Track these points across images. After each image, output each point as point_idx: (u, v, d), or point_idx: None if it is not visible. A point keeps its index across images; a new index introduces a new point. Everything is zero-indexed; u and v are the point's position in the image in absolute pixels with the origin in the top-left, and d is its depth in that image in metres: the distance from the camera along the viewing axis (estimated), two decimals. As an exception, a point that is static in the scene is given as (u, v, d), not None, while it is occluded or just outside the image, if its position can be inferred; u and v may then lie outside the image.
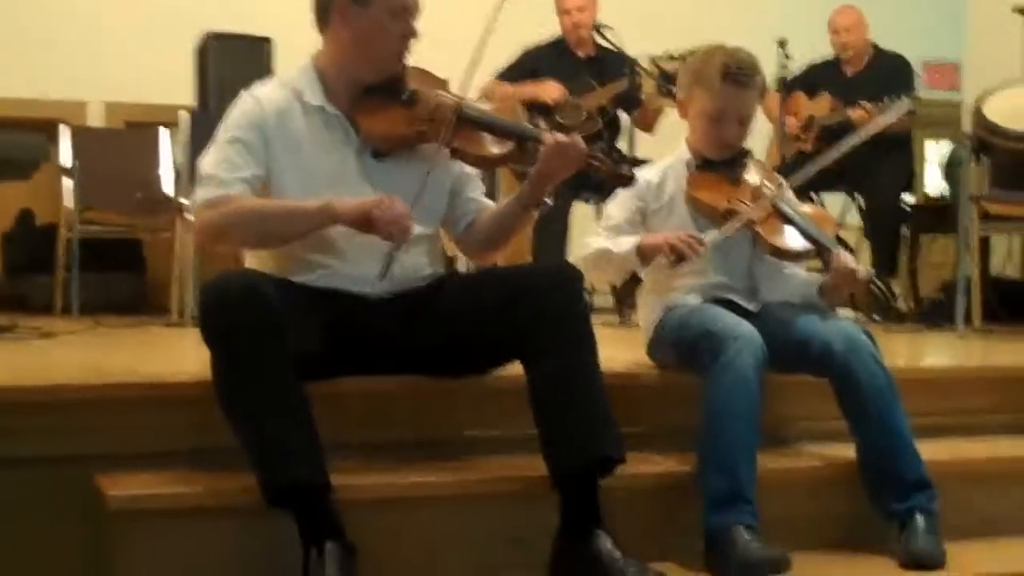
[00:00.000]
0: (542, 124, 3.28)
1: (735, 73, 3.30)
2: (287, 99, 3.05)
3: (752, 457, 2.97)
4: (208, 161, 2.99)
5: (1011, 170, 5.62)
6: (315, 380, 2.79)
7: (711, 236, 3.23)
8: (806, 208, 3.49)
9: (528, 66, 6.13)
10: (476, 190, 3.27)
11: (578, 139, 3.04)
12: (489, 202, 3.28)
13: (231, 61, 5.74)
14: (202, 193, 2.96)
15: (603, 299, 6.50)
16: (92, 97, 7.24)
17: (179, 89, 6.11)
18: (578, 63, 6.19)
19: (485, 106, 3.19)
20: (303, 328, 2.78)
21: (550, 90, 5.93)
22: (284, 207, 2.94)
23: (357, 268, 2.96)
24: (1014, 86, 5.75)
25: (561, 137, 3.04)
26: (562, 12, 6.19)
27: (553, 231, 5.29)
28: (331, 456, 2.69)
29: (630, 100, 6.08)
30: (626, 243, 3.28)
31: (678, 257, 3.17)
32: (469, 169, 3.22)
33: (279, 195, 2.97)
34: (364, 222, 2.84)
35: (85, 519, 2.79)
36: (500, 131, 3.12)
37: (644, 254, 3.26)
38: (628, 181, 3.09)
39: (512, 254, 4.39)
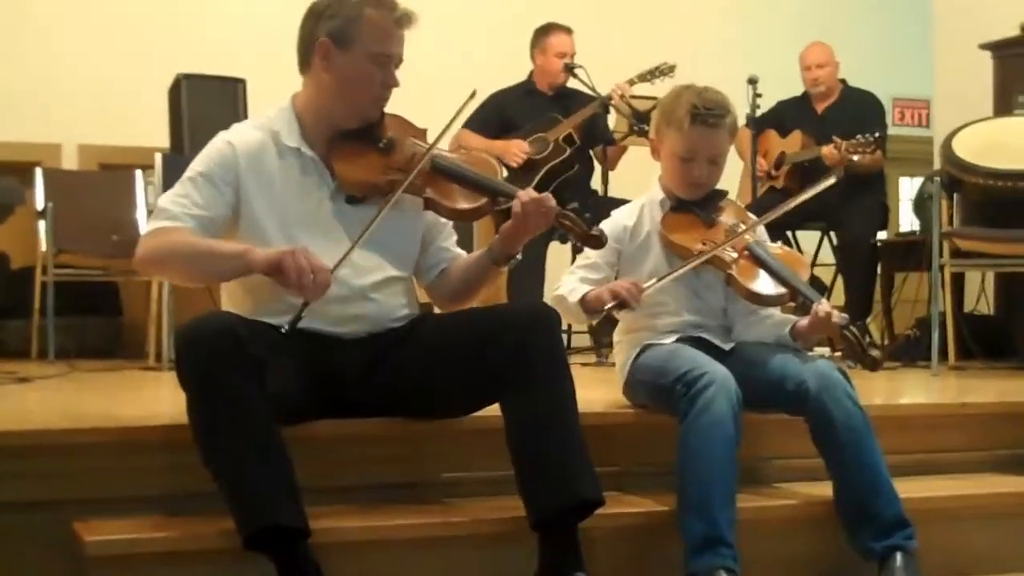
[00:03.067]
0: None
1: (704, 114, 3.30)
2: (262, 140, 3.05)
3: (731, 500, 2.98)
4: (166, 195, 3.00)
5: (982, 206, 5.66)
6: (292, 422, 2.79)
7: (651, 282, 3.23)
8: (778, 249, 3.50)
9: (496, 110, 6.19)
10: (448, 239, 3.27)
11: (549, 197, 3.03)
12: (461, 252, 3.28)
13: (204, 102, 5.72)
14: (150, 224, 2.99)
15: (580, 338, 6.53)
16: (66, 139, 7.24)
17: (154, 131, 6.10)
18: (546, 101, 6.27)
19: (459, 158, 3.18)
20: (279, 370, 2.77)
21: (514, 151, 5.98)
22: (209, 247, 2.93)
23: (332, 309, 2.95)
24: (983, 122, 5.80)
25: (532, 195, 3.03)
26: (548, 55, 6.23)
27: (529, 271, 5.29)
28: (309, 499, 2.68)
29: (600, 134, 6.13)
30: (577, 292, 3.28)
31: (620, 303, 3.17)
32: (442, 219, 3.22)
33: (259, 237, 2.96)
34: (276, 272, 2.79)
35: (63, 565, 2.76)
36: (474, 185, 3.11)
37: (588, 307, 3.25)
38: (598, 243, 3.08)
39: (487, 294, 4.40)
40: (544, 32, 6.33)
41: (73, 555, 2.73)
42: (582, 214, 3.05)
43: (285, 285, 2.79)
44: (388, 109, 3.13)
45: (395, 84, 3.08)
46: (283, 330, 2.77)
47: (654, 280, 3.25)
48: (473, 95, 3.02)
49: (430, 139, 3.12)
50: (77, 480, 2.87)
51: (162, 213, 2.96)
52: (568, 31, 6.28)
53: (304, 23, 3.07)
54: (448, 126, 3.05)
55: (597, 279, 3.35)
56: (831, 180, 3.42)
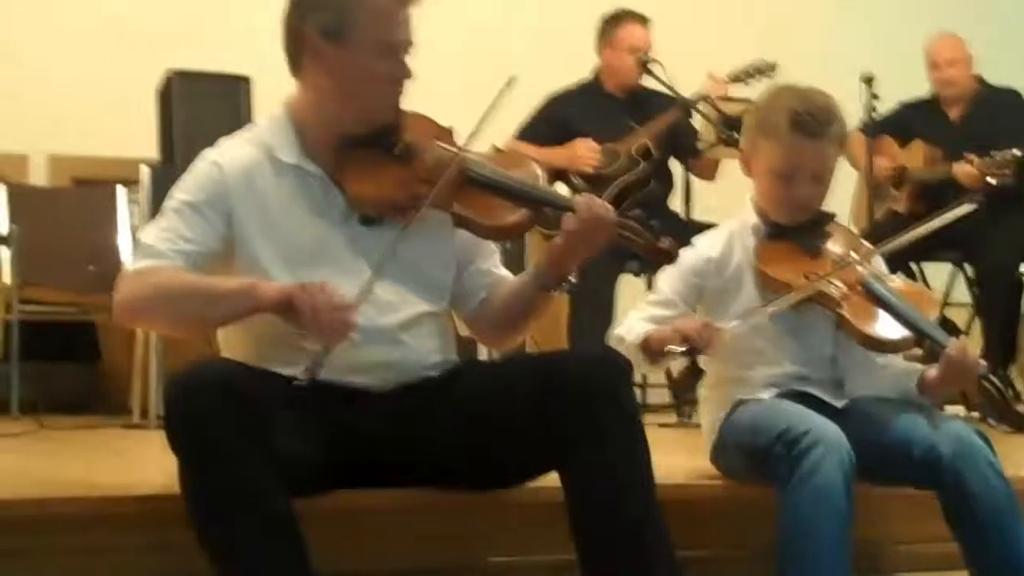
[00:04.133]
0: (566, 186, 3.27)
1: (807, 121, 3.30)
2: (254, 157, 3.05)
3: (843, 585, 2.96)
4: (148, 229, 3.02)
5: None
6: (306, 493, 2.79)
7: (732, 323, 3.22)
8: (900, 283, 3.49)
9: (555, 115, 6.19)
10: (488, 259, 3.25)
11: (608, 206, 3.03)
12: (506, 274, 3.26)
13: (200, 105, 5.75)
14: (131, 263, 3.00)
15: (659, 393, 6.51)
16: (34, 150, 7.29)
17: (139, 139, 6.14)
18: (616, 104, 6.24)
19: (496, 162, 3.17)
20: (290, 430, 2.78)
21: (582, 154, 5.97)
22: (211, 285, 2.94)
23: (351, 355, 2.94)
24: None
25: (588, 202, 3.02)
26: (619, 49, 6.23)
27: (594, 308, 5.28)
28: (327, 588, 2.68)
29: (683, 143, 6.12)
30: (638, 333, 3.26)
31: (689, 349, 3.16)
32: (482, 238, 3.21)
33: (257, 274, 2.97)
34: (287, 311, 2.80)
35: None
36: (513, 194, 3.09)
37: (651, 349, 3.23)
38: (668, 258, 3.07)
39: (546, 338, 4.39)
40: (614, 22, 6.32)
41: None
42: (647, 221, 3.04)
43: (299, 327, 2.80)
44: (406, 106, 3.12)
45: (408, 75, 3.07)
46: (296, 382, 2.76)
47: (736, 322, 3.24)
48: (511, 82, 2.97)
49: (458, 139, 3.11)
50: (47, 560, 2.88)
51: (145, 250, 2.97)
52: (643, 21, 6.27)
53: (287, 16, 3.06)
54: (481, 122, 3.01)
55: (669, 316, 3.33)
56: (967, 208, 3.41)
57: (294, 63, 3.09)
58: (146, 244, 2.98)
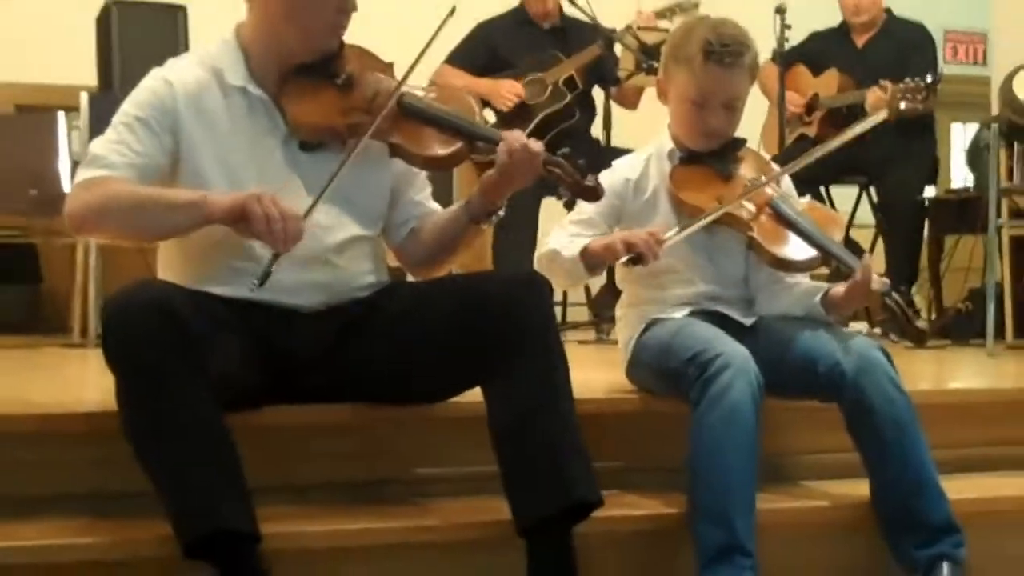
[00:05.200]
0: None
1: (719, 51, 3.29)
2: (204, 79, 3.04)
3: (750, 503, 2.99)
4: (98, 141, 2.99)
5: (1047, 158, 5.67)
6: (239, 410, 2.80)
7: (672, 233, 3.23)
8: (807, 206, 3.50)
9: (483, 43, 6.18)
10: (421, 191, 3.27)
11: (536, 143, 3.02)
12: (435, 206, 3.28)
13: (139, 33, 5.69)
14: (82, 173, 2.96)
15: (578, 311, 6.53)
16: (-25, 77, 7.21)
17: (78, 67, 6.07)
18: (542, 34, 6.24)
19: (432, 96, 3.17)
20: (224, 348, 2.78)
21: (505, 93, 5.96)
22: (160, 195, 2.91)
23: (289, 275, 2.93)
24: (1050, 60, 5.81)
25: (518, 138, 3.02)
26: None
27: (518, 233, 5.28)
28: (259, 499, 2.68)
29: (605, 74, 6.12)
30: (575, 245, 3.28)
31: (635, 258, 3.17)
32: (414, 168, 3.21)
33: (197, 185, 2.95)
34: (240, 219, 2.79)
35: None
36: (448, 127, 3.10)
37: (591, 259, 3.25)
38: (594, 195, 3.07)
39: (470, 260, 4.39)
40: None
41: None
42: (575, 160, 3.04)
43: (251, 235, 2.79)
44: (349, 39, 3.11)
45: (353, 8, 3.06)
46: (251, 289, 2.76)
47: (676, 230, 3.25)
48: (452, 12, 2.95)
49: (398, 74, 3.10)
50: (-12, 475, 2.87)
51: (95, 161, 2.94)
52: None
53: None
54: (421, 55, 3.01)
55: (591, 236, 3.34)
56: (881, 116, 3.42)
57: None
58: (97, 155, 2.95)
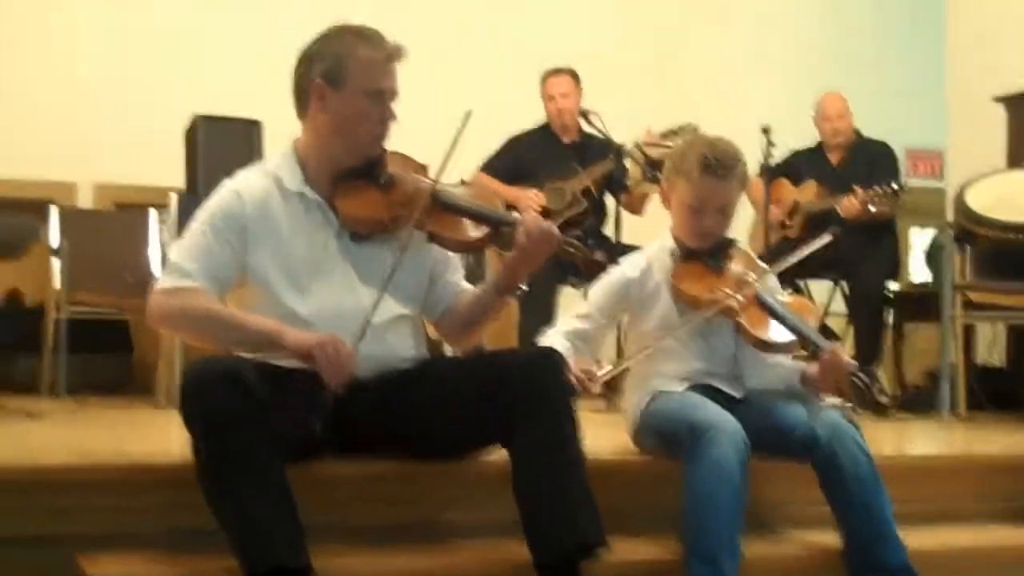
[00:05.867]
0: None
1: (714, 165, 3.31)
2: (267, 187, 3.07)
3: (735, 549, 2.97)
4: (177, 249, 3.02)
5: (994, 258, 5.67)
6: (298, 462, 2.80)
7: (606, 369, 3.26)
8: (787, 298, 3.51)
9: (512, 155, 6.21)
10: (455, 274, 3.28)
11: (552, 225, 3.05)
12: (468, 286, 3.29)
13: (220, 143, 5.74)
14: (164, 279, 2.99)
15: (590, 384, 6.49)
16: (82, 178, 7.26)
17: (169, 171, 6.11)
18: (563, 149, 6.27)
19: (461, 191, 3.21)
20: (284, 411, 2.77)
21: (529, 200, 5.99)
22: (236, 319, 2.96)
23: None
24: (996, 175, 5.81)
25: (535, 221, 3.05)
26: (547, 98, 6.30)
27: (538, 313, 5.29)
28: (313, 537, 2.68)
29: (616, 183, 6.14)
30: (556, 342, 3.28)
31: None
32: (449, 253, 3.23)
33: (261, 280, 2.99)
34: (307, 360, 2.84)
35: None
36: (475, 215, 3.13)
37: None
38: (603, 268, 3.10)
39: (498, 338, 4.41)
40: (543, 78, 6.37)
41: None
42: (585, 240, 3.06)
43: (312, 367, 2.82)
44: (390, 147, 3.15)
45: (393, 118, 3.10)
46: (315, 430, 2.79)
47: (608, 367, 3.29)
48: (469, 115, 2.99)
49: (431, 174, 3.14)
50: (82, 516, 2.88)
51: (175, 269, 2.97)
52: (560, 72, 6.28)
53: (297, 68, 3.10)
54: (449, 154, 3.03)
55: (587, 330, 3.39)
56: (825, 239, 3.46)
57: (300, 105, 3.11)
58: (175, 263, 2.98)
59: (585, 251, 3.05)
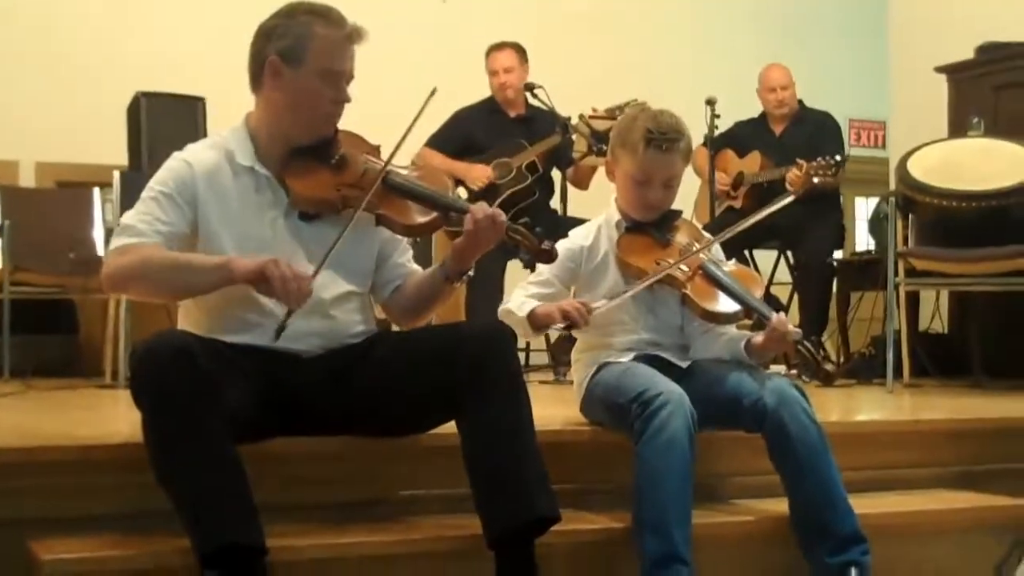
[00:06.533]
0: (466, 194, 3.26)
1: (659, 138, 3.31)
2: (217, 160, 3.05)
3: (687, 518, 2.99)
4: (129, 213, 3.00)
5: (936, 226, 5.71)
6: (249, 441, 2.78)
7: (600, 303, 3.25)
8: (733, 267, 3.52)
9: (459, 129, 6.20)
10: (403, 255, 3.27)
11: (499, 212, 3.04)
12: (416, 267, 3.28)
13: (163, 120, 5.69)
14: (116, 241, 2.97)
15: (539, 356, 6.54)
16: (23, 157, 7.20)
17: (111, 149, 6.07)
18: (509, 123, 6.28)
19: (413, 174, 3.19)
20: (235, 388, 2.77)
21: (476, 175, 5.99)
22: (188, 260, 2.93)
23: (292, 325, 2.93)
24: (938, 144, 5.85)
25: (484, 209, 3.03)
26: (491, 73, 6.29)
27: (486, 289, 5.29)
28: (266, 518, 2.67)
29: (562, 157, 6.15)
30: (525, 307, 3.29)
31: (569, 324, 3.21)
32: (397, 235, 3.22)
33: (217, 250, 2.96)
34: (260, 280, 2.81)
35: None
36: (425, 200, 3.11)
37: (536, 320, 3.27)
38: (549, 257, 3.09)
39: (445, 312, 4.41)
40: (487, 52, 6.37)
41: (29, 574, 2.70)
42: (533, 228, 3.06)
43: (268, 294, 2.81)
44: (343, 126, 3.14)
45: (346, 100, 3.08)
46: (271, 340, 2.82)
47: (604, 301, 3.26)
48: (434, 92, 2.98)
49: (384, 155, 3.13)
50: (32, 499, 2.85)
51: (128, 230, 2.95)
52: (504, 47, 6.29)
53: (254, 42, 3.08)
54: (405, 136, 3.04)
55: (547, 294, 3.36)
56: (789, 198, 3.46)
57: (255, 80, 3.08)
58: (128, 224, 2.96)
59: (532, 239, 3.04)
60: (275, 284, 2.77)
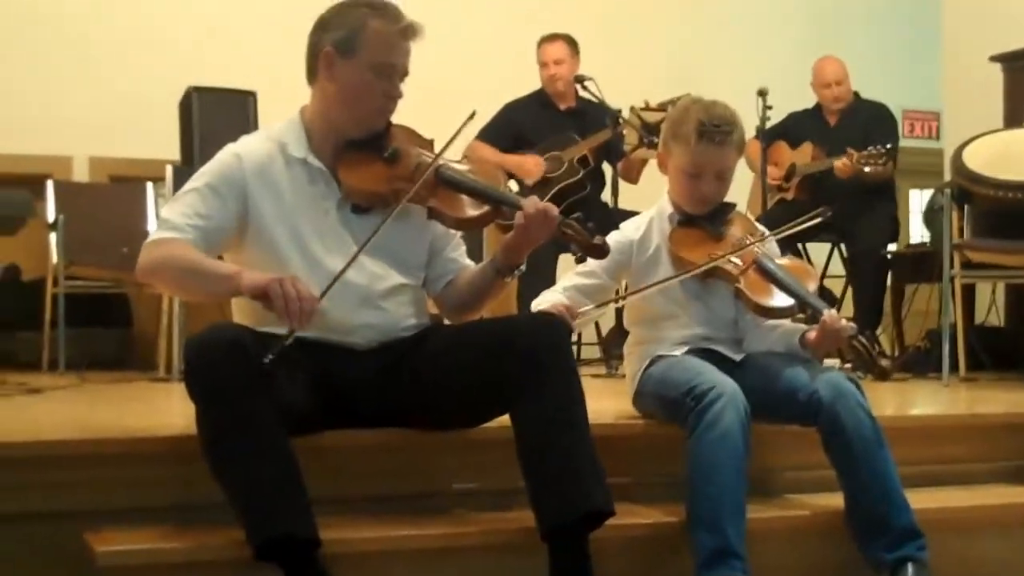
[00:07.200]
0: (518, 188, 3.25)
1: (711, 130, 3.29)
2: (270, 152, 3.05)
3: (741, 512, 2.97)
4: (168, 206, 3.01)
5: (992, 218, 5.65)
6: (301, 433, 2.79)
7: (585, 308, 3.27)
8: (786, 261, 3.49)
9: (509, 122, 6.19)
10: (456, 250, 3.26)
11: (552, 207, 3.03)
12: (469, 262, 3.27)
13: (214, 115, 5.72)
14: (153, 233, 2.98)
15: (591, 350, 6.52)
16: (77, 152, 7.25)
17: (164, 144, 6.10)
18: (560, 116, 6.26)
19: (465, 168, 3.18)
20: (288, 381, 2.78)
21: (528, 169, 5.98)
22: (202, 265, 2.91)
23: (343, 318, 2.96)
24: (994, 134, 5.79)
25: (536, 204, 3.02)
26: (541, 65, 6.27)
27: (538, 283, 5.25)
28: (318, 510, 2.67)
29: (613, 151, 6.12)
30: (542, 303, 3.29)
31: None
32: (451, 230, 3.21)
33: (271, 247, 2.98)
34: (263, 298, 2.78)
35: (73, 575, 2.76)
36: (477, 194, 3.10)
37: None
38: (601, 252, 3.07)
39: (497, 305, 4.40)
40: (538, 44, 6.35)
41: (83, 566, 2.72)
42: (585, 223, 3.04)
43: (272, 311, 2.78)
44: (397, 120, 3.14)
45: (398, 95, 3.08)
46: (266, 361, 2.68)
47: (590, 306, 3.28)
48: (472, 116, 3.02)
49: (436, 149, 3.13)
50: (87, 491, 2.87)
51: (164, 224, 2.96)
52: (555, 39, 6.28)
53: (312, 33, 3.09)
54: (449, 142, 3.06)
55: (590, 285, 3.37)
56: (817, 219, 3.43)
57: (310, 72, 3.10)
58: (165, 218, 2.97)
59: (584, 234, 3.03)
60: (277, 304, 2.74)
